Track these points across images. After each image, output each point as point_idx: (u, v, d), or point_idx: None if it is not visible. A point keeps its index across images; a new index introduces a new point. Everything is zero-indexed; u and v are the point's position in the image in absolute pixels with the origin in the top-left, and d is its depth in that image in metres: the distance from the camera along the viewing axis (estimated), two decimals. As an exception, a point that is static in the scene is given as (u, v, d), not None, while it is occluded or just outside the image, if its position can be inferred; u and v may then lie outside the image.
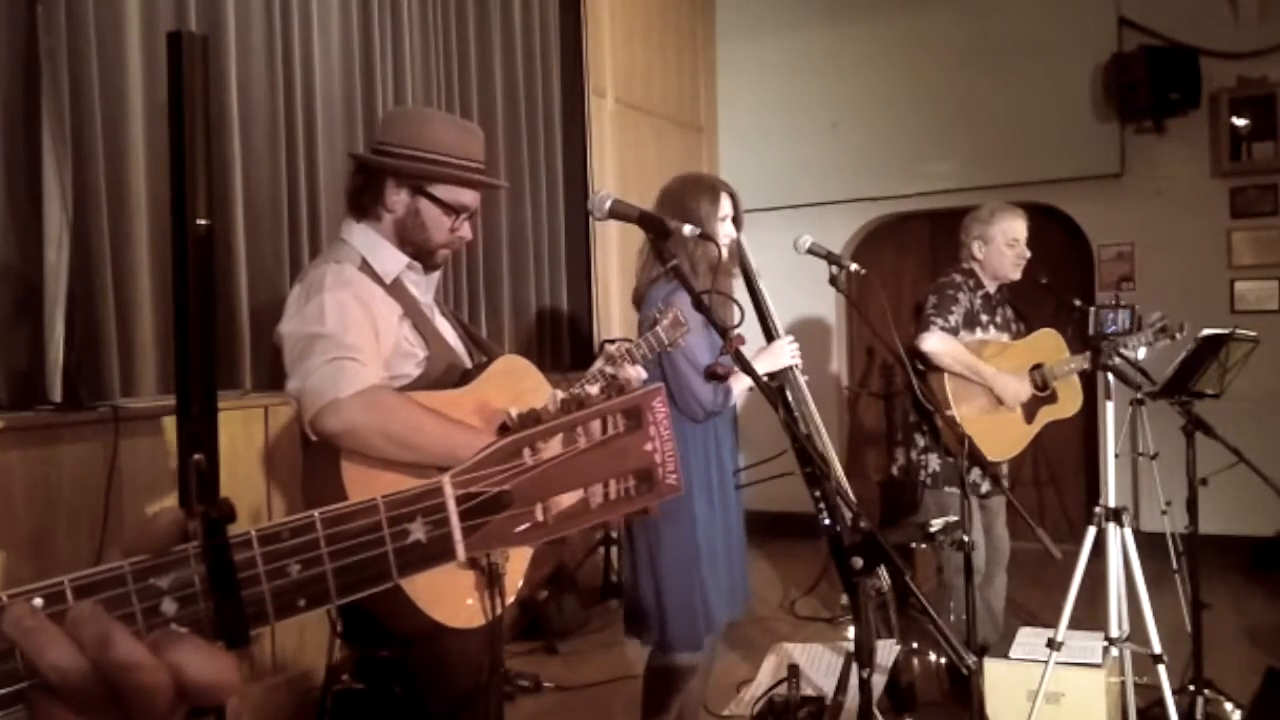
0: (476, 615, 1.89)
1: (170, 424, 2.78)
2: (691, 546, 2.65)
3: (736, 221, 2.79)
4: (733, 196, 2.80)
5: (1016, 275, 3.67)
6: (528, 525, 0.75)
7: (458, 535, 0.73)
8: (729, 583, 2.76)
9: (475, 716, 2.04)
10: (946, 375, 3.51)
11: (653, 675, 2.82)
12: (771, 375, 2.70)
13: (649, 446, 0.81)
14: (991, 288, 3.69)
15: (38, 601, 0.59)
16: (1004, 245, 3.62)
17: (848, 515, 1.87)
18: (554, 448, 0.77)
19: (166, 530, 0.65)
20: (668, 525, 2.69)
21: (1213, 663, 3.39)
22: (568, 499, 0.77)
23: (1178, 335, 3.60)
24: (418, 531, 0.72)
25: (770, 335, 2.87)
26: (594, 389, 0.85)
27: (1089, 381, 3.81)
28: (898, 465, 3.80)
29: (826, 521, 1.60)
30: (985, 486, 3.56)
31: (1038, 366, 3.66)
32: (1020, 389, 3.57)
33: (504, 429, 0.75)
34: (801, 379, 2.80)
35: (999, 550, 3.72)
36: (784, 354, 2.77)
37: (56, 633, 0.56)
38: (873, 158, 6.36)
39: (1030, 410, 3.65)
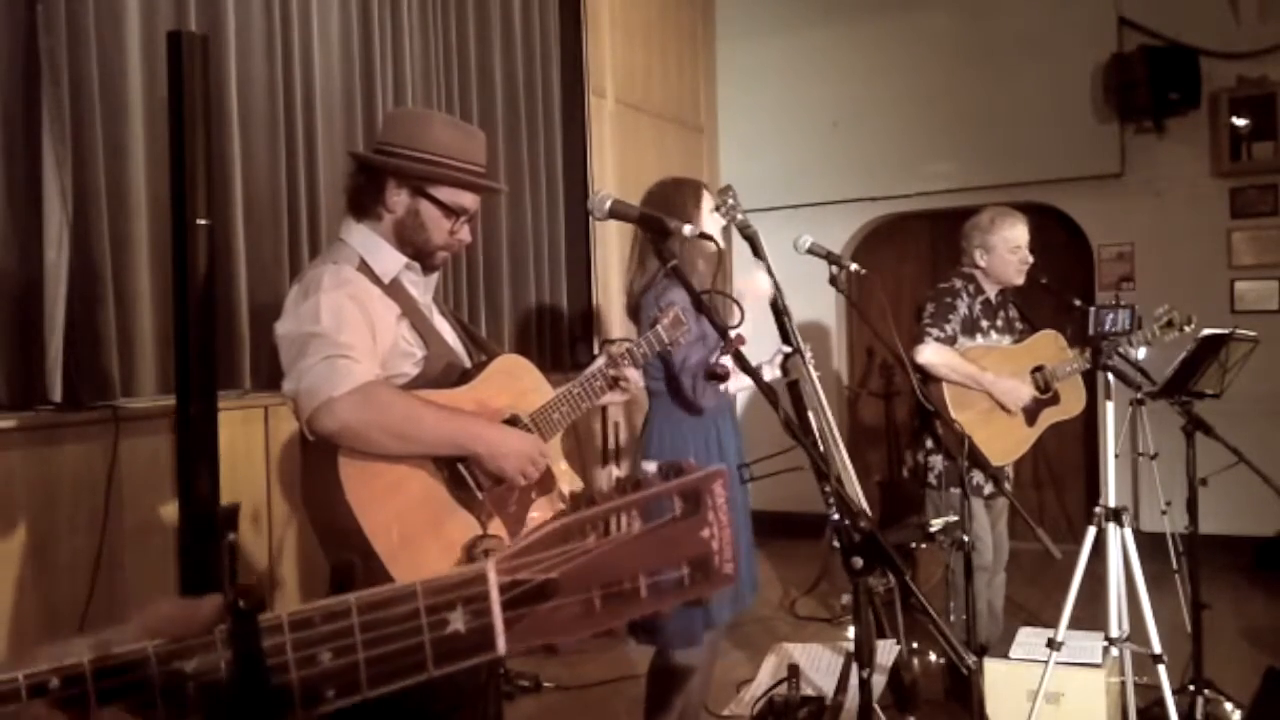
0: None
1: (170, 424, 2.78)
2: None
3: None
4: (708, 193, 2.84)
5: (1020, 280, 3.66)
6: (574, 615, 0.70)
7: (499, 626, 0.68)
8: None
9: (475, 716, 2.04)
10: (945, 383, 3.51)
11: (655, 675, 2.83)
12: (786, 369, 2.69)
13: (706, 533, 0.76)
14: (993, 293, 3.69)
15: (55, 683, 0.56)
16: (1006, 253, 3.61)
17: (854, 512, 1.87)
18: (606, 531, 0.72)
19: (206, 621, 0.62)
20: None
21: (1213, 663, 3.39)
22: (618, 587, 0.72)
23: (1186, 327, 3.59)
24: (457, 621, 0.67)
25: (786, 339, 2.87)
26: (651, 467, 0.80)
27: (1087, 383, 3.81)
28: (907, 467, 3.80)
29: (835, 516, 1.59)
30: (988, 489, 3.57)
31: (1039, 368, 3.65)
32: (1021, 392, 3.57)
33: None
34: (812, 372, 2.79)
35: (1000, 549, 3.73)
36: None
37: None
38: (873, 158, 6.36)
39: (1032, 413, 3.65)
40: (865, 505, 2.10)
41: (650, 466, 0.72)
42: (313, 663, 0.64)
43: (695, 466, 0.76)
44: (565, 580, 0.70)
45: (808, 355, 2.79)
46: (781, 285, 2.21)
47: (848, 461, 2.33)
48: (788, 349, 2.87)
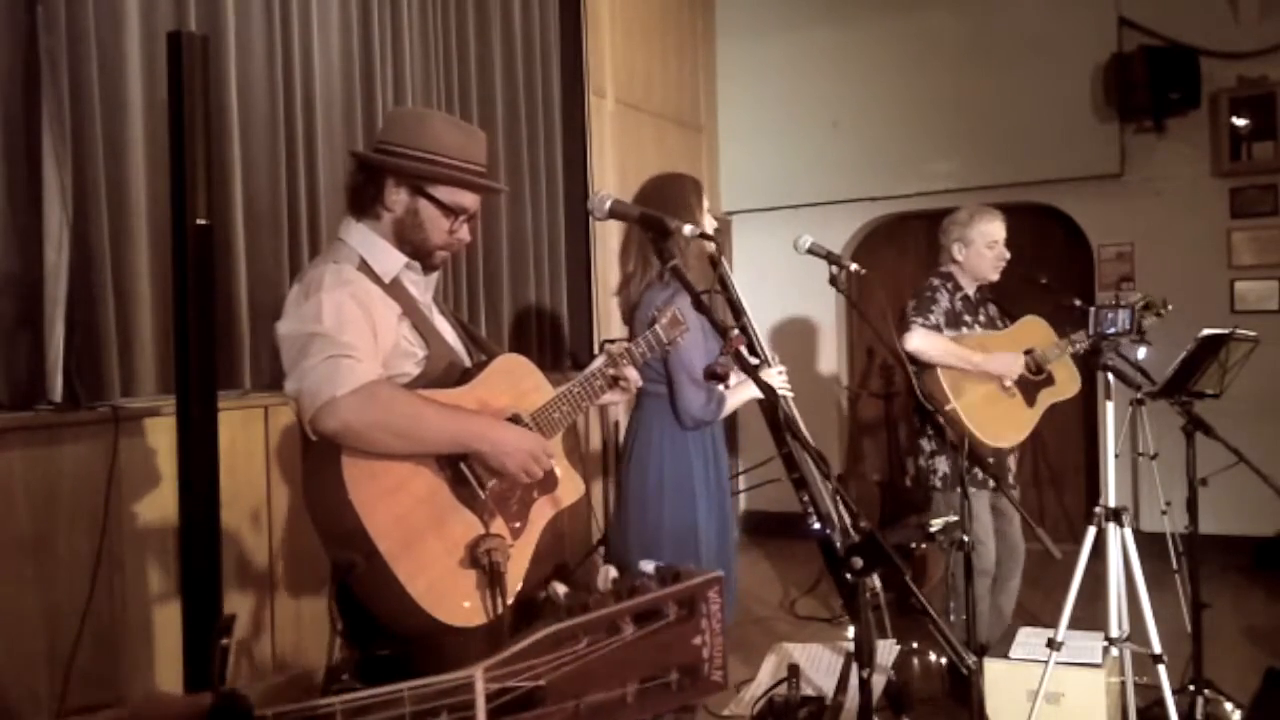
0: (477, 614, 1.89)
1: (170, 424, 2.78)
2: (692, 547, 2.65)
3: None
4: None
5: (995, 276, 3.70)
6: None
7: None
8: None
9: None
10: (940, 370, 3.51)
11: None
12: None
13: (698, 640, 0.75)
14: (971, 289, 3.72)
15: None
16: (984, 247, 3.65)
17: (840, 518, 1.87)
18: (598, 637, 0.71)
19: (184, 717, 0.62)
20: (670, 529, 2.69)
21: (1213, 663, 3.39)
22: (605, 695, 0.71)
23: (1163, 311, 3.61)
24: None
25: (753, 349, 2.87)
26: (649, 567, 0.77)
27: (1087, 383, 3.82)
28: (909, 475, 3.80)
29: (816, 526, 1.59)
30: (989, 484, 3.56)
31: (1029, 351, 3.66)
32: (1013, 362, 3.58)
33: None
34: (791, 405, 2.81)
35: (1014, 552, 3.72)
36: (772, 384, 2.77)
37: None
38: (873, 158, 6.36)
39: (1030, 394, 3.65)
40: (844, 518, 2.10)
41: (648, 567, 0.73)
42: None
43: (694, 572, 0.75)
44: (552, 688, 0.69)
45: (783, 380, 2.80)
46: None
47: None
48: (754, 360, 2.88)
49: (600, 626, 0.71)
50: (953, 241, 3.70)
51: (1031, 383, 3.65)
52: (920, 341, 3.50)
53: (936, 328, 3.55)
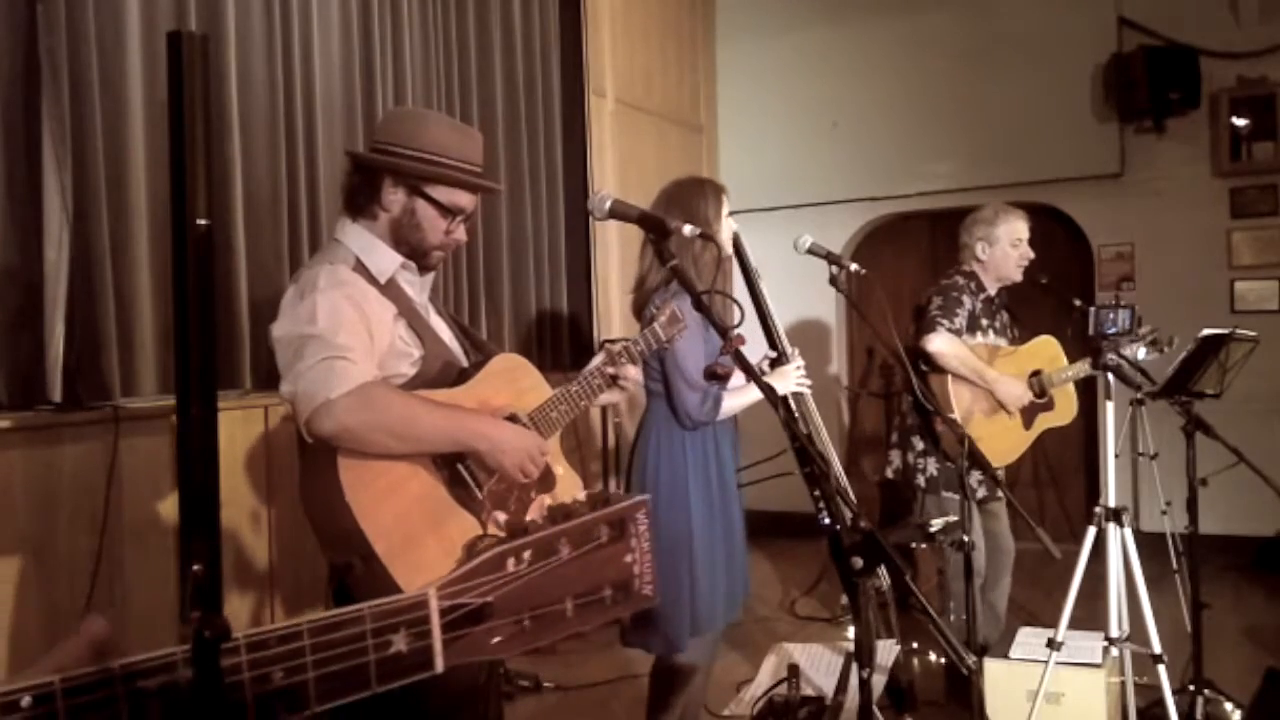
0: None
1: (170, 424, 2.78)
2: (685, 550, 2.64)
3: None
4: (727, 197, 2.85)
5: (1019, 276, 3.68)
6: (507, 635, 0.77)
7: (438, 647, 0.75)
8: (728, 585, 2.75)
9: (475, 716, 2.04)
10: (949, 378, 3.51)
11: (658, 675, 2.83)
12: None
13: (629, 558, 0.83)
14: (993, 290, 3.70)
15: (27, 700, 0.59)
16: (1009, 246, 3.62)
17: (847, 515, 1.87)
18: (538, 558, 0.79)
19: (81, 653, 0.65)
20: (663, 534, 2.68)
21: (1213, 663, 3.39)
22: (546, 609, 0.79)
23: (1166, 349, 3.62)
24: (400, 643, 0.73)
25: (773, 344, 2.88)
26: (582, 495, 0.86)
27: (1087, 383, 3.81)
28: (892, 468, 3.78)
29: (826, 521, 1.59)
30: (981, 492, 3.57)
31: (1036, 373, 3.66)
32: (1021, 393, 3.57)
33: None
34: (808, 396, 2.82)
35: (1004, 551, 3.72)
36: (789, 380, 2.78)
37: None
38: (873, 158, 6.36)
39: (1029, 417, 3.65)
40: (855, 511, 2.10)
41: (580, 494, 0.82)
42: (266, 681, 0.68)
43: (622, 496, 0.83)
44: (499, 603, 0.77)
45: (800, 374, 2.81)
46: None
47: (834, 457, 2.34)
48: (773, 354, 2.89)
49: (539, 547, 0.79)
50: (977, 240, 3.67)
51: (1032, 405, 3.64)
52: (943, 345, 3.49)
53: (959, 332, 3.54)
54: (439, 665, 0.75)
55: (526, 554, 0.78)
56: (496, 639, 0.77)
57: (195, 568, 0.68)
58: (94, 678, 0.63)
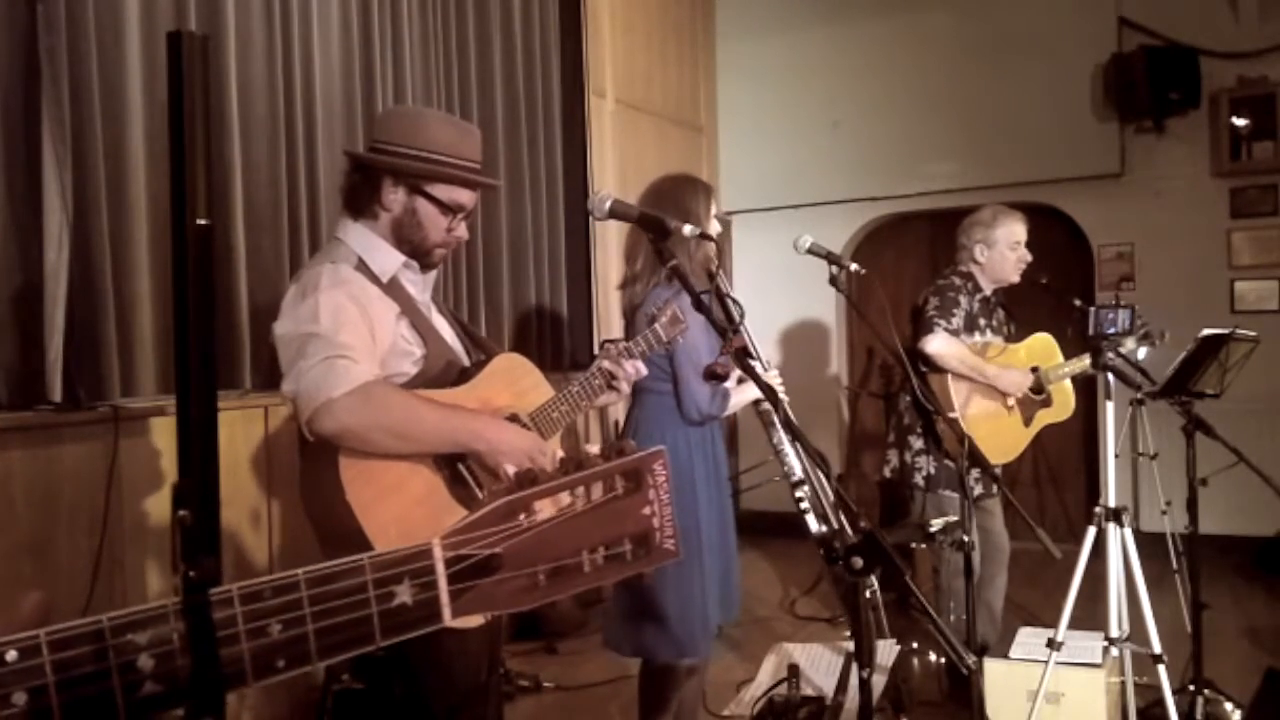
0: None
1: (170, 424, 2.78)
2: (695, 550, 2.64)
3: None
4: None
5: (1017, 278, 3.68)
6: (519, 588, 0.73)
7: (445, 599, 0.71)
8: (723, 586, 2.75)
9: (475, 716, 2.03)
10: (950, 377, 3.51)
11: (650, 674, 2.81)
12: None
13: (647, 510, 0.80)
14: (989, 291, 3.70)
15: (12, 655, 0.57)
16: (1007, 248, 3.63)
17: (841, 519, 1.87)
18: (550, 509, 0.75)
19: (27, 617, 0.63)
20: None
21: (1213, 663, 3.39)
22: (563, 562, 0.75)
23: (1159, 343, 3.62)
24: (404, 594, 0.70)
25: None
26: (594, 449, 0.81)
27: (1087, 383, 3.82)
28: (890, 467, 3.78)
29: (814, 526, 1.59)
30: (978, 489, 3.57)
31: (1034, 369, 3.66)
32: (1023, 380, 3.59)
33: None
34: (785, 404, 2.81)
35: (999, 549, 3.72)
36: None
37: None
38: (873, 158, 6.36)
39: (1028, 413, 3.66)
40: (840, 516, 2.10)
41: (592, 448, 0.77)
42: (263, 634, 0.66)
43: (636, 448, 0.78)
44: (509, 555, 0.72)
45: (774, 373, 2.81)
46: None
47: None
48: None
49: (549, 498, 0.75)
50: (975, 242, 3.67)
51: (1030, 402, 3.65)
52: (941, 345, 3.49)
53: (956, 332, 3.55)
54: (447, 617, 0.71)
55: (537, 504, 0.74)
56: (509, 591, 0.73)
57: (181, 513, 0.65)
58: (81, 629, 0.61)
